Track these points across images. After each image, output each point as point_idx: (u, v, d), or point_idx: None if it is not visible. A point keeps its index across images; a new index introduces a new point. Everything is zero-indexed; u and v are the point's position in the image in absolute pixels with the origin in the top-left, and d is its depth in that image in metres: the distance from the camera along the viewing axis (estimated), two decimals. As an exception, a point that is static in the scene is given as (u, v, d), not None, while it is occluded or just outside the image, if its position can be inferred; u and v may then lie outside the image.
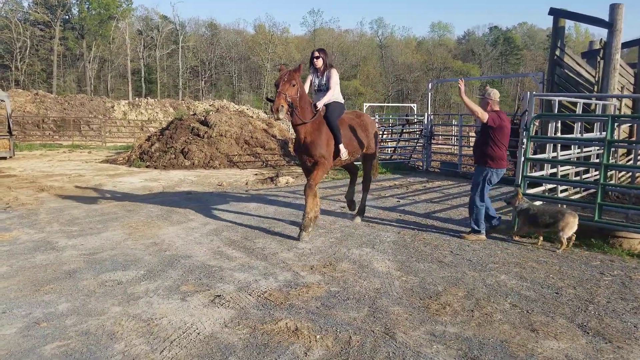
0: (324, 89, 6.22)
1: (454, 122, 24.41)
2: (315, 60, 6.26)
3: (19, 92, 31.85)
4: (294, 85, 5.54)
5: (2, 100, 10.78)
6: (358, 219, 6.81)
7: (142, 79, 61.54)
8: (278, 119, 5.40)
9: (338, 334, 3.32)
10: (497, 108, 5.77)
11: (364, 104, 16.61)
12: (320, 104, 5.98)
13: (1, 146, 9.48)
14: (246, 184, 10.47)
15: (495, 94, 5.77)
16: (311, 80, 6.40)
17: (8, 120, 10.78)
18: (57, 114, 29.49)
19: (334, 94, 6.20)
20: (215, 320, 3.54)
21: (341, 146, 6.07)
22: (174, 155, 13.74)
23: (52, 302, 3.83)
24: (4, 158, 9.83)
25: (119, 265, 4.77)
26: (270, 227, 6.39)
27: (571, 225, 5.27)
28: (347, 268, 4.72)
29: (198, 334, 3.32)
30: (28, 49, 53.29)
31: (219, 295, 4.00)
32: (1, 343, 3.16)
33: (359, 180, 7.16)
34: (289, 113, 5.51)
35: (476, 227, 5.81)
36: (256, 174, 12.08)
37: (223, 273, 4.56)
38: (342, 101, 6.44)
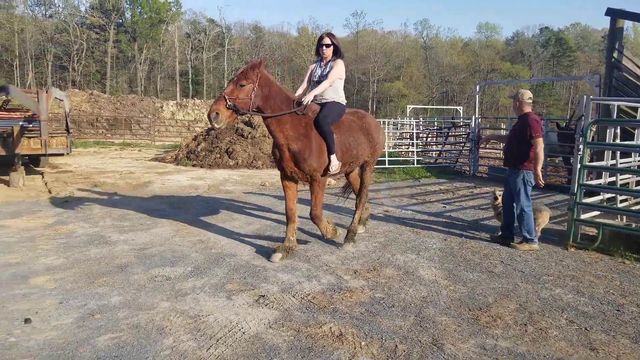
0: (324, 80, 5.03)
1: (502, 125, 23.55)
2: (324, 49, 5.01)
3: (76, 92, 33.72)
4: (242, 86, 4.39)
5: (60, 100, 11.37)
6: (349, 246, 5.40)
7: (190, 80, 63.65)
8: (213, 128, 4.12)
9: (384, 341, 3.25)
10: (528, 109, 5.58)
11: (407, 106, 16.37)
12: (309, 97, 4.81)
13: (59, 143, 10.00)
14: (288, 184, 10.52)
15: (525, 94, 5.60)
16: (312, 70, 5.25)
17: (66, 119, 11.37)
18: (109, 113, 30.97)
19: (333, 88, 5.05)
20: (259, 320, 3.55)
21: (332, 157, 4.84)
22: (219, 155, 14.05)
23: (105, 295, 3.98)
24: (62, 154, 10.38)
25: (168, 261, 4.90)
26: (313, 229, 6.37)
27: (544, 218, 5.94)
28: (392, 274, 4.62)
29: (243, 333, 3.34)
30: (84, 51, 56.42)
31: (263, 295, 4.02)
32: (59, 332, 3.31)
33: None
34: (236, 120, 4.24)
35: (528, 236, 5.55)
36: (298, 175, 12.11)
37: (267, 273, 4.58)
38: (344, 101, 5.24)
